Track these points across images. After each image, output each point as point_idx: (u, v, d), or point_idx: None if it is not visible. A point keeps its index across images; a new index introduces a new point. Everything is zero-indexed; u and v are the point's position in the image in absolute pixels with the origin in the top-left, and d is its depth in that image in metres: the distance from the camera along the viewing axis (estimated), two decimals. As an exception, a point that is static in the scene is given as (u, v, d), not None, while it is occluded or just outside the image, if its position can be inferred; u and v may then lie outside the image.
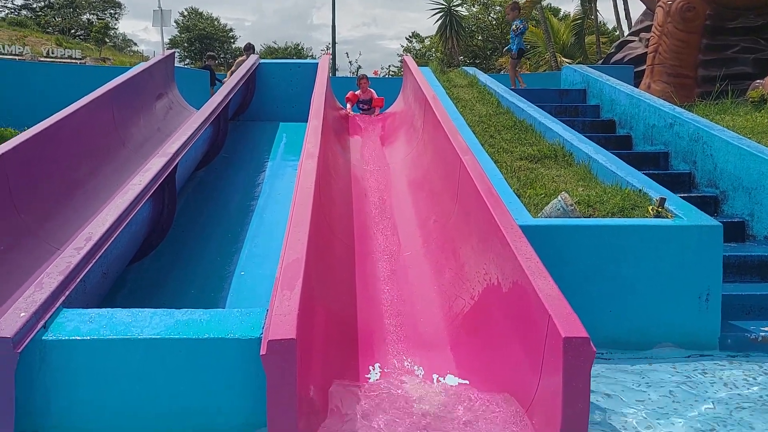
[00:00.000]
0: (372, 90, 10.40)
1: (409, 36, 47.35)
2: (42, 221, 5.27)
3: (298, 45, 55.67)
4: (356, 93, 10.32)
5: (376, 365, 4.06)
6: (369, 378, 3.93)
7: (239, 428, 3.29)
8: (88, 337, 3.25)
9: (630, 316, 4.83)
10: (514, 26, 12.20)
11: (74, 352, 3.23)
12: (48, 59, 31.55)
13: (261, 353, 3.07)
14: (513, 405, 3.47)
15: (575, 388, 3.09)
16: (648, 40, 12.90)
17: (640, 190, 5.49)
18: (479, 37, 38.61)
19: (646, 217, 5.07)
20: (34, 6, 55.03)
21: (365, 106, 10.27)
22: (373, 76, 14.34)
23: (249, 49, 12.51)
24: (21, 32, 42.11)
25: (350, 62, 37.39)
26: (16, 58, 28.15)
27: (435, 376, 3.95)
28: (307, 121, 7.06)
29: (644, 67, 12.42)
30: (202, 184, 7.13)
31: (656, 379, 4.28)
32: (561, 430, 3.07)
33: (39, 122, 6.01)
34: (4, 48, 32.73)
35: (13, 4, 54.79)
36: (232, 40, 58.21)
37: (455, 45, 32.58)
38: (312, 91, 8.47)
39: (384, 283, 5.11)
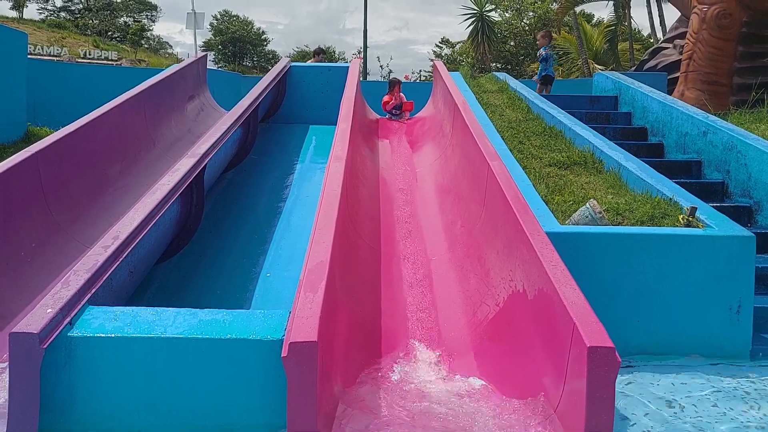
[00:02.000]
0: (402, 94, 10.42)
1: (440, 41, 47.38)
2: (73, 219, 5.36)
3: (328, 48, 55.93)
4: (390, 97, 10.33)
5: (399, 369, 4.04)
6: (391, 380, 3.91)
7: (260, 429, 3.30)
8: (113, 335, 3.29)
9: (658, 327, 4.74)
10: (539, 52, 12.35)
11: (99, 349, 3.27)
12: (85, 60, 32.18)
13: (282, 355, 3.08)
14: (535, 413, 3.43)
15: (599, 398, 3.04)
16: (682, 47, 12.70)
17: (670, 198, 5.40)
18: (512, 43, 38.45)
19: (677, 226, 4.98)
20: (73, 8, 56.19)
21: (396, 111, 10.27)
22: (404, 80, 14.35)
23: (320, 53, 12.54)
24: (60, 34, 43.04)
25: (381, 66, 37.54)
26: (55, 59, 28.71)
27: (458, 381, 3.92)
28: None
29: (678, 74, 12.22)
30: (231, 186, 7.18)
31: (684, 392, 4.19)
32: (584, 440, 3.02)
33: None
34: (42, 49, 33.45)
35: (53, 6, 56.05)
36: (265, 44, 58.82)
37: (487, 50, 32.44)
38: (342, 94, 8.50)
39: (409, 288, 5.10)
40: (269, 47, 59.24)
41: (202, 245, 5.75)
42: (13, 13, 52.07)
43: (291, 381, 3.04)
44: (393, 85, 10.56)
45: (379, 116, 10.05)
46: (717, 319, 4.73)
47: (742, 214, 6.28)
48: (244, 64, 55.68)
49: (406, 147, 8.66)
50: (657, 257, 4.74)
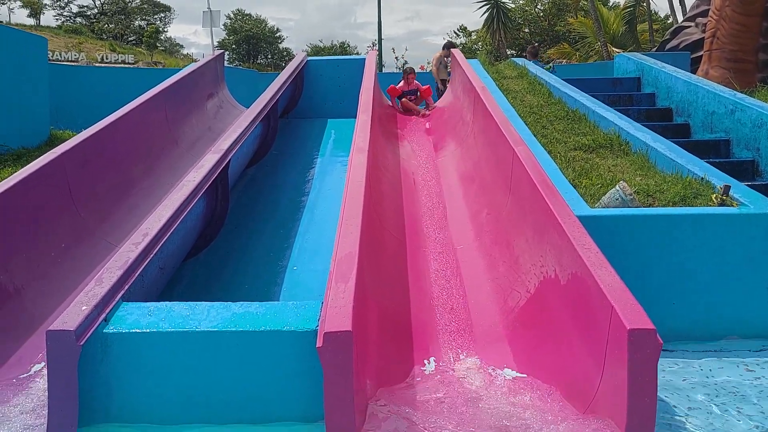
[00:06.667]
0: (417, 81, 10.33)
1: (457, 30, 47.12)
2: (100, 219, 5.38)
3: (343, 43, 55.91)
4: (398, 86, 10.27)
5: (431, 359, 4.01)
6: (424, 371, 3.88)
7: (297, 419, 3.29)
8: (148, 330, 3.30)
9: (695, 308, 4.67)
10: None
11: (135, 344, 3.28)
12: (102, 64, 32.41)
13: (317, 345, 3.06)
14: (575, 399, 3.37)
15: (641, 383, 2.97)
16: (705, 25, 12.49)
17: (702, 178, 5.30)
18: (526, 30, 38.14)
19: (710, 205, 4.90)
20: (89, 14, 56.67)
21: (412, 97, 10.18)
22: (420, 70, 14.21)
23: (449, 47, 12.42)
24: (77, 39, 43.39)
25: (396, 58, 37.31)
26: (73, 64, 28.96)
27: (491, 371, 3.87)
28: (355, 117, 7.05)
29: (701, 53, 12.02)
30: (253, 181, 7.18)
31: (724, 374, 4.12)
32: (627, 426, 2.95)
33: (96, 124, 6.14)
34: (60, 54, 33.76)
35: (69, 12, 56.58)
36: (280, 41, 58.90)
37: (503, 37, 32.22)
38: (359, 87, 8.46)
39: (436, 277, 5.06)
40: (284, 45, 59.31)
41: (228, 241, 5.75)
42: (31, 21, 52.63)
43: (327, 371, 3.02)
44: (406, 73, 10.44)
45: (395, 106, 9.97)
46: (755, 299, 4.65)
47: (774, 192, 6.16)
48: (258, 62, 55.77)
49: (426, 137, 8.61)
50: (691, 238, 4.66)
